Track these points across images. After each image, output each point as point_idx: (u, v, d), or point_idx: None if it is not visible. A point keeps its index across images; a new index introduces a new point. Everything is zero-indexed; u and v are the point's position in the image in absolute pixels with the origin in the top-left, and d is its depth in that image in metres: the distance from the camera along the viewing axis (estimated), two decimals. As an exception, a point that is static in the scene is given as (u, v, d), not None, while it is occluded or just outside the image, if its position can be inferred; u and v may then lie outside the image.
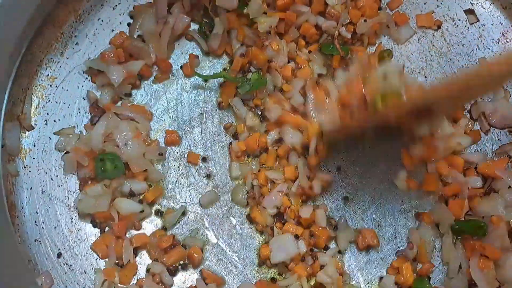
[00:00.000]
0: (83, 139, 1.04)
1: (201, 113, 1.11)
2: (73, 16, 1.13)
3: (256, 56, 1.10)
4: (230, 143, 1.10)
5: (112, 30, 1.16)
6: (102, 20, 1.15)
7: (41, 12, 1.05)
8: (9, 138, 1.02)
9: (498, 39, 1.14)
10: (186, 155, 1.09)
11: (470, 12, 1.16)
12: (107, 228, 1.02)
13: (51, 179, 1.05)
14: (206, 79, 1.13)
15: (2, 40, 0.96)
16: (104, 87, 1.09)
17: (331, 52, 1.12)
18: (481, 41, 1.15)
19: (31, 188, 1.03)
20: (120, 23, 1.16)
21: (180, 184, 1.08)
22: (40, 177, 1.04)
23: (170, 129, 1.10)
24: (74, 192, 1.05)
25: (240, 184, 1.09)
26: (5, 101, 1.02)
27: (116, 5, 1.16)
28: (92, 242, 1.02)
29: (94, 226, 1.02)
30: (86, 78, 1.12)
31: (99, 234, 1.03)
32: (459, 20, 1.16)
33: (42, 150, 1.06)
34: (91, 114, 1.09)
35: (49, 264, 1.00)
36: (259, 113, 1.11)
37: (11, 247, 0.96)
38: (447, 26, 1.16)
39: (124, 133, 1.03)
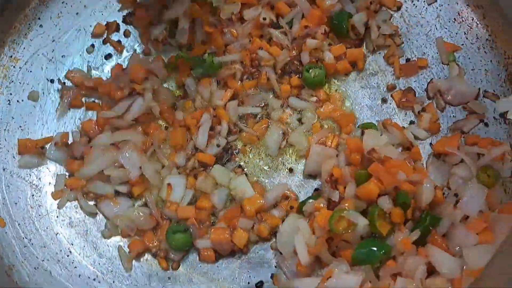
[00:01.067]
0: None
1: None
2: (37, -1, 1.14)
3: (215, 40, 1.12)
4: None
5: (77, 13, 1.17)
6: (66, 3, 1.16)
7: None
8: None
9: (454, 18, 1.15)
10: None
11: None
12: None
13: (13, 156, 1.05)
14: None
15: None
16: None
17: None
18: (439, 21, 1.16)
19: (-7, 165, 1.04)
20: (85, 6, 1.17)
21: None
22: (2, 155, 1.05)
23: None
24: (36, 170, 1.06)
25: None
26: None
27: (81, -12, 1.18)
28: (52, 218, 1.03)
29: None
30: (50, 60, 1.13)
31: (58, 210, 1.04)
32: (418, 0, 1.18)
33: (5, 129, 1.07)
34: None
35: (7, 239, 1.00)
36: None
37: None
38: (407, 7, 1.17)
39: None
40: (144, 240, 1.01)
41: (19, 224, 1.01)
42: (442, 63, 1.13)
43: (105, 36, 1.16)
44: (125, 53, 1.15)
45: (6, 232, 1.00)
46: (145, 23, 1.15)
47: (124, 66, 1.13)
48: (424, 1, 1.17)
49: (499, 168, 1.00)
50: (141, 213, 1.01)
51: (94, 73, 1.14)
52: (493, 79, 1.10)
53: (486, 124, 1.08)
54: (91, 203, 1.04)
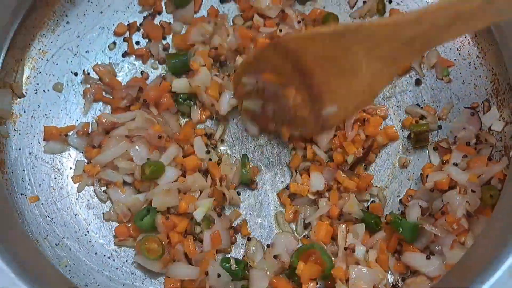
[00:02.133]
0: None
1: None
2: (66, -3, 1.22)
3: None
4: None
5: (101, 12, 1.24)
6: (91, 2, 1.23)
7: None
8: (1, 102, 1.10)
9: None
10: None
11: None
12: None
13: (38, 142, 1.13)
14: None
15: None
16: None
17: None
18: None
19: (20, 149, 1.11)
20: (109, 6, 1.24)
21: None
22: (28, 140, 1.12)
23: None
24: (59, 155, 1.14)
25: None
26: None
27: (105, -11, 1.25)
28: (72, 199, 1.12)
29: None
30: (75, 54, 1.21)
31: (77, 193, 1.12)
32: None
33: (31, 116, 1.14)
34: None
35: (32, 216, 1.08)
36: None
37: (0, 199, 1.04)
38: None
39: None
40: (130, 229, 1.08)
41: (42, 204, 1.09)
42: (436, 78, 1.20)
43: (126, 35, 1.24)
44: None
45: (30, 211, 1.08)
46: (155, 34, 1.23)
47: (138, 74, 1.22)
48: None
49: (496, 184, 1.04)
50: (137, 203, 1.09)
51: (117, 70, 1.21)
52: (481, 93, 1.18)
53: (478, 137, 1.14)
54: (103, 188, 1.12)
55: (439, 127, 1.16)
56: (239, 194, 1.14)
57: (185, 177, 1.11)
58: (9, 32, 1.10)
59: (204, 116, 1.18)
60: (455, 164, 1.06)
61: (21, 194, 1.09)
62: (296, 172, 1.14)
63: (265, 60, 1.04)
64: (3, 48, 1.10)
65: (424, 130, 1.13)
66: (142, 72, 1.23)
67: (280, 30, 1.21)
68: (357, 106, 0.99)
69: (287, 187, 1.13)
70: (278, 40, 1.07)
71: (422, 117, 1.17)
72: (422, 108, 1.19)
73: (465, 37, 1.21)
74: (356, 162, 1.15)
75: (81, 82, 1.20)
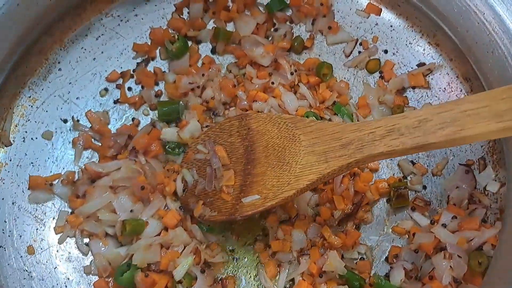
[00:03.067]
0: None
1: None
2: (58, 44, 1.20)
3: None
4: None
5: (94, 59, 1.23)
6: (85, 49, 1.23)
7: (27, 39, 1.11)
8: None
9: (445, 88, 1.19)
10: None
11: (421, 65, 1.20)
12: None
13: (22, 191, 1.11)
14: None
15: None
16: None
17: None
18: (430, 89, 1.20)
19: (3, 198, 1.09)
20: (102, 52, 1.24)
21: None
22: (12, 189, 1.10)
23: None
24: (42, 205, 1.12)
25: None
26: None
27: (99, 36, 1.24)
28: (53, 252, 1.09)
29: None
30: (65, 101, 1.20)
31: (58, 245, 1.09)
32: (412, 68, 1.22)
33: (17, 165, 1.12)
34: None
35: (10, 270, 1.05)
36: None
37: None
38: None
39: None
40: (109, 284, 1.05)
41: (21, 257, 1.06)
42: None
43: (118, 82, 1.23)
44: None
45: (8, 264, 1.05)
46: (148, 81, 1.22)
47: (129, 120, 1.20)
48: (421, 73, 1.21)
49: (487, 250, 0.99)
50: (118, 257, 1.05)
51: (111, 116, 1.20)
52: (477, 150, 1.12)
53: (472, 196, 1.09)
54: (85, 240, 1.09)
55: (424, 187, 1.11)
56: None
57: (167, 230, 1.07)
58: (-1, 76, 1.09)
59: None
60: (444, 225, 1.01)
61: (0, 247, 1.06)
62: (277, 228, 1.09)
63: (227, 133, 1.10)
64: None
65: (403, 190, 1.09)
66: (133, 119, 1.21)
67: (272, 83, 1.19)
68: (276, 197, 0.98)
69: (269, 246, 1.09)
70: (247, 114, 1.10)
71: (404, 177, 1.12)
72: (414, 164, 1.14)
73: (461, 90, 1.17)
74: (344, 218, 1.10)
75: (70, 129, 1.18)
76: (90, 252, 1.09)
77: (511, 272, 0.81)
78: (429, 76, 1.19)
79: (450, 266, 0.94)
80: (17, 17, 1.05)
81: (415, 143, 0.86)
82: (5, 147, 1.13)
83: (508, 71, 0.94)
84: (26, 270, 1.06)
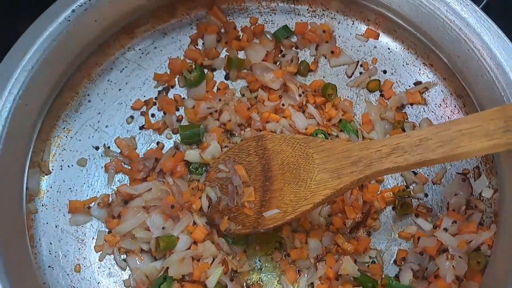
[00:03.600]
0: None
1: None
2: (87, 79, 1.31)
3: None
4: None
5: (119, 90, 1.34)
6: (111, 81, 1.33)
7: (62, 80, 1.23)
8: (31, 182, 1.18)
9: (440, 104, 1.30)
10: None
11: (418, 83, 1.31)
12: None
13: (64, 215, 1.21)
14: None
15: (29, 107, 1.14)
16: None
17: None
18: (427, 105, 1.32)
19: (47, 223, 1.19)
20: (126, 83, 1.34)
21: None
22: (55, 214, 1.20)
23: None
24: (82, 226, 1.22)
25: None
26: (30, 151, 1.18)
27: (123, 69, 1.34)
28: (95, 268, 1.19)
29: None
30: (96, 129, 1.30)
31: (99, 262, 1.20)
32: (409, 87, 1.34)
33: (57, 191, 1.22)
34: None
35: (60, 287, 1.16)
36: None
37: (30, 272, 1.11)
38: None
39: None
40: None
41: (68, 275, 1.17)
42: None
43: (143, 109, 1.34)
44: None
45: (58, 281, 1.16)
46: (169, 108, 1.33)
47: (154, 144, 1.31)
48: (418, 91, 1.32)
49: (485, 250, 1.09)
50: (154, 271, 1.16)
51: (137, 141, 1.31)
52: (472, 159, 1.23)
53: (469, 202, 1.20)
54: (123, 256, 1.20)
55: (426, 195, 1.22)
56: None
57: (196, 244, 1.18)
58: (39, 118, 1.19)
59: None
60: (445, 230, 1.12)
61: (48, 267, 1.16)
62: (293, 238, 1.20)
63: (245, 153, 1.20)
64: (34, 132, 1.19)
65: (407, 199, 1.21)
66: (158, 143, 1.32)
67: (283, 105, 1.30)
68: (295, 211, 1.08)
69: (288, 255, 1.20)
70: (263, 135, 1.20)
71: (407, 187, 1.23)
72: (416, 174, 1.25)
73: (455, 106, 1.28)
74: (355, 226, 1.21)
75: (101, 156, 1.28)
76: (128, 267, 1.19)
77: (506, 270, 0.91)
78: (425, 93, 1.31)
79: (453, 266, 1.05)
80: (55, 60, 1.15)
81: (417, 160, 0.97)
82: (45, 176, 1.23)
83: (496, 93, 1.05)
84: (73, 286, 1.16)
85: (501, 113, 0.92)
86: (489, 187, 1.17)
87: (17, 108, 1.10)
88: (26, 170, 1.17)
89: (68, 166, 1.26)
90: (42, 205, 1.21)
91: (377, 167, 1.02)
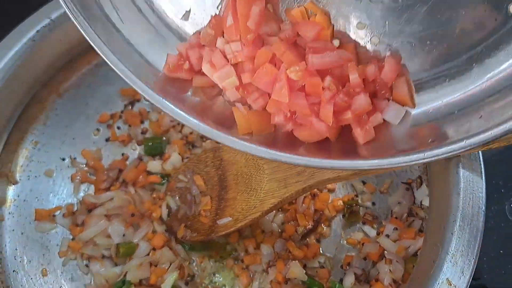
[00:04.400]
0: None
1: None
2: (55, 94, 1.37)
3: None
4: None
5: (87, 103, 1.40)
6: (78, 95, 1.39)
7: (30, 93, 1.29)
8: None
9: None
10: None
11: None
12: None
13: (30, 223, 1.26)
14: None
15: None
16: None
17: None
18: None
19: (13, 230, 1.25)
20: (93, 97, 1.41)
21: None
22: (21, 221, 1.26)
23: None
24: (47, 233, 1.28)
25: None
26: None
27: (90, 83, 1.40)
28: (58, 273, 1.25)
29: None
30: (63, 142, 1.37)
31: (62, 267, 1.26)
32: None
33: (24, 200, 1.28)
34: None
35: (21, 291, 1.22)
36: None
37: None
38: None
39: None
40: None
41: (31, 278, 1.23)
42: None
43: (109, 122, 1.41)
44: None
45: (21, 285, 1.20)
46: (134, 120, 1.40)
47: (119, 155, 1.37)
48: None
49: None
50: (114, 276, 1.22)
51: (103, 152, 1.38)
52: (415, 169, 1.30)
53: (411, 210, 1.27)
54: (85, 262, 1.26)
55: (373, 204, 1.30)
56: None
57: (155, 250, 1.25)
58: (5, 131, 1.26)
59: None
60: (387, 236, 1.19)
61: (13, 271, 1.22)
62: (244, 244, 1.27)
63: (203, 163, 1.26)
64: (0, 145, 1.26)
65: (355, 207, 1.28)
66: (122, 154, 1.39)
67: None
68: (246, 218, 1.15)
69: (242, 260, 1.26)
70: (219, 147, 1.26)
71: (356, 196, 1.30)
72: (365, 184, 1.32)
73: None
74: (306, 233, 1.28)
75: (68, 166, 1.35)
76: (89, 272, 1.25)
77: (427, 271, 0.97)
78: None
79: (390, 270, 1.12)
80: (21, 77, 1.22)
81: (353, 170, 1.04)
82: (12, 185, 1.30)
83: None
84: (36, 291, 1.23)
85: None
86: (429, 196, 1.24)
87: (-18, 122, 1.16)
88: (-6, 180, 1.24)
89: (36, 176, 1.32)
90: (9, 213, 1.27)
91: (319, 176, 1.09)
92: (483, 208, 0.98)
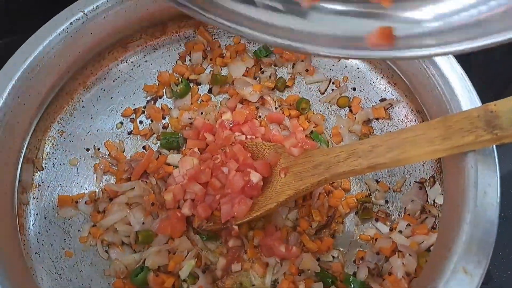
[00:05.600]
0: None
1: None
2: (82, 86, 1.41)
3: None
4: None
5: (111, 97, 1.44)
6: (104, 89, 1.43)
7: (59, 84, 1.33)
8: (24, 175, 1.26)
9: (402, 119, 1.40)
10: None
11: (383, 100, 1.41)
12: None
13: (53, 208, 1.29)
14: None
15: (27, 106, 1.23)
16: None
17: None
18: (391, 120, 1.41)
19: (37, 214, 1.27)
20: (118, 92, 1.44)
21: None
22: (44, 206, 1.28)
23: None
24: (69, 219, 1.30)
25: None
26: (25, 148, 1.27)
27: (116, 79, 1.45)
28: (78, 258, 1.26)
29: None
30: (88, 133, 1.40)
31: (82, 252, 1.27)
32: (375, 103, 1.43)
33: (48, 186, 1.31)
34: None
35: (44, 272, 1.22)
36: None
37: (18, 257, 1.18)
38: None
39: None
40: (126, 284, 1.21)
41: (52, 262, 1.24)
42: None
43: (132, 117, 1.44)
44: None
45: (42, 267, 1.22)
46: (156, 116, 1.43)
47: (140, 149, 1.40)
48: (383, 107, 1.42)
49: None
50: (133, 262, 1.23)
51: (125, 146, 1.40)
52: (428, 169, 1.31)
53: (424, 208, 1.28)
54: (105, 248, 1.28)
55: (386, 201, 1.31)
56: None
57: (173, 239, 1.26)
58: (35, 118, 1.29)
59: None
60: (400, 232, 1.20)
61: (35, 253, 1.24)
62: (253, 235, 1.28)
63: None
64: (29, 132, 1.28)
65: (368, 204, 1.28)
66: (144, 147, 1.41)
67: (260, 116, 1.40)
68: (261, 208, 1.17)
69: (245, 252, 1.27)
70: (245, 142, 1.31)
71: (370, 194, 1.32)
72: (378, 183, 1.33)
73: (415, 121, 1.37)
74: (320, 228, 1.29)
75: (91, 156, 1.38)
76: (109, 258, 1.26)
77: (440, 267, 0.98)
78: (389, 110, 1.40)
79: (403, 263, 1.13)
80: (52, 68, 1.26)
81: (370, 164, 1.06)
82: (38, 172, 1.32)
83: (442, 106, 1.15)
84: (57, 273, 1.23)
85: (442, 123, 1.01)
86: (442, 194, 1.25)
87: (16, 106, 1.19)
88: (20, 164, 1.26)
89: (60, 164, 1.35)
90: (34, 197, 1.29)
91: (334, 170, 1.10)
92: (498, 200, 0.99)
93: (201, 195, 1.25)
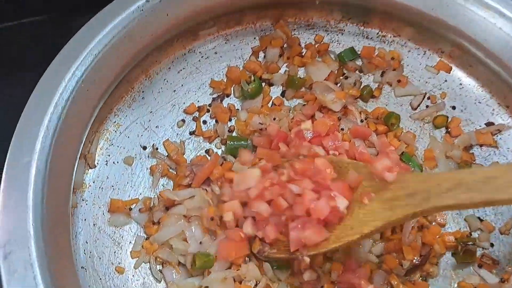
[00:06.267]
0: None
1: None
2: (144, 75, 1.22)
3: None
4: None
5: (174, 91, 1.25)
6: (167, 81, 1.24)
7: (124, 70, 1.14)
8: (75, 173, 1.08)
9: (513, 149, 1.19)
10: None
11: (489, 124, 1.21)
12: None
13: (103, 213, 1.10)
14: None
15: (91, 91, 1.05)
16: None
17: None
18: (498, 148, 1.20)
19: (85, 219, 1.09)
20: (182, 85, 1.25)
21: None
22: (94, 211, 1.10)
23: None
24: (120, 228, 1.11)
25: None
26: (84, 139, 1.08)
27: (181, 70, 1.26)
28: (129, 276, 1.07)
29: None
30: (146, 128, 1.21)
31: (134, 270, 1.08)
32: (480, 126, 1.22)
33: (99, 187, 1.12)
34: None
35: (89, 290, 1.05)
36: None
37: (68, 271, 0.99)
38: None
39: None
40: None
41: (100, 279, 1.05)
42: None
43: (195, 114, 1.24)
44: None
45: (89, 285, 1.03)
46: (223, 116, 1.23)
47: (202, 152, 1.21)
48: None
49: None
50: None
51: (186, 147, 1.21)
52: None
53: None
54: (159, 267, 1.08)
55: (492, 245, 1.10)
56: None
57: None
58: (97, 107, 1.10)
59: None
60: (516, 287, 1.00)
61: (81, 267, 1.05)
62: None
63: None
64: (90, 120, 1.09)
65: (471, 246, 1.09)
66: (207, 151, 1.22)
67: (342, 129, 1.20)
68: (340, 240, 0.98)
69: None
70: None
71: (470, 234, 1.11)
72: (482, 221, 1.13)
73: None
74: (412, 269, 1.09)
75: (148, 156, 1.18)
76: (163, 280, 1.07)
77: None
78: (497, 136, 1.20)
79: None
80: (121, 51, 1.07)
81: (485, 199, 0.86)
82: (89, 169, 1.13)
83: None
84: (104, 292, 1.05)
85: None
86: None
87: (78, 91, 1.00)
88: (77, 159, 1.07)
89: (114, 162, 1.16)
90: (83, 199, 1.11)
91: (436, 201, 0.90)
92: None
93: (266, 216, 1.04)
